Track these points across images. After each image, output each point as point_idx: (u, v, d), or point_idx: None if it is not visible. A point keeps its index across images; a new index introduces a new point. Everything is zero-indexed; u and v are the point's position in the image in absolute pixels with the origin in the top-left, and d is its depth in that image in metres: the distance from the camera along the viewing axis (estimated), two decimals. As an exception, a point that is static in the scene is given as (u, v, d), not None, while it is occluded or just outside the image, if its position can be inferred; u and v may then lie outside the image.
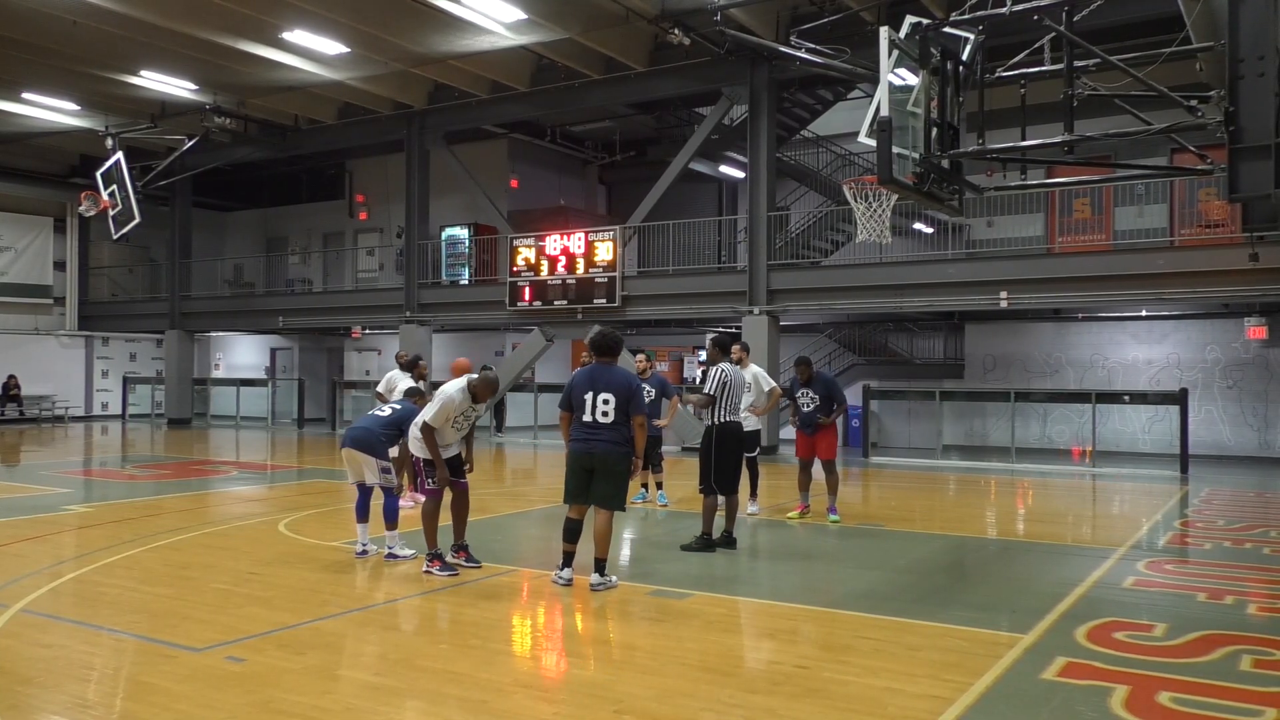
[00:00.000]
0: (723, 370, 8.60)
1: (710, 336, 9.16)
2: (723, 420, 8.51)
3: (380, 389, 11.12)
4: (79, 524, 9.96)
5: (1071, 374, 20.53)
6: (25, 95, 20.55)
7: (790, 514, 10.40)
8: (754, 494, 10.70)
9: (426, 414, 7.17)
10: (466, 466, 7.59)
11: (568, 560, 7.04)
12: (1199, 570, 8.04)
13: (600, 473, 6.85)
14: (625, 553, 8.73)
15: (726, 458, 8.54)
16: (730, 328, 21.60)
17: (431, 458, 7.26)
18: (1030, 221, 18.98)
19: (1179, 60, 7.52)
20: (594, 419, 6.82)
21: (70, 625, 5.99)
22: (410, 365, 11.07)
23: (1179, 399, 16.00)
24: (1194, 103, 6.68)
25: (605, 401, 6.81)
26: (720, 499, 8.57)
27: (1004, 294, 16.19)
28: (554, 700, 4.72)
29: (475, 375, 7.35)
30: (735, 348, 10.72)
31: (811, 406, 10.16)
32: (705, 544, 8.40)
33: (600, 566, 6.91)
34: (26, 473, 15.19)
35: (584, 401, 6.86)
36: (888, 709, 4.59)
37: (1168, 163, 16.05)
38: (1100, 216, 18.82)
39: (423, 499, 7.74)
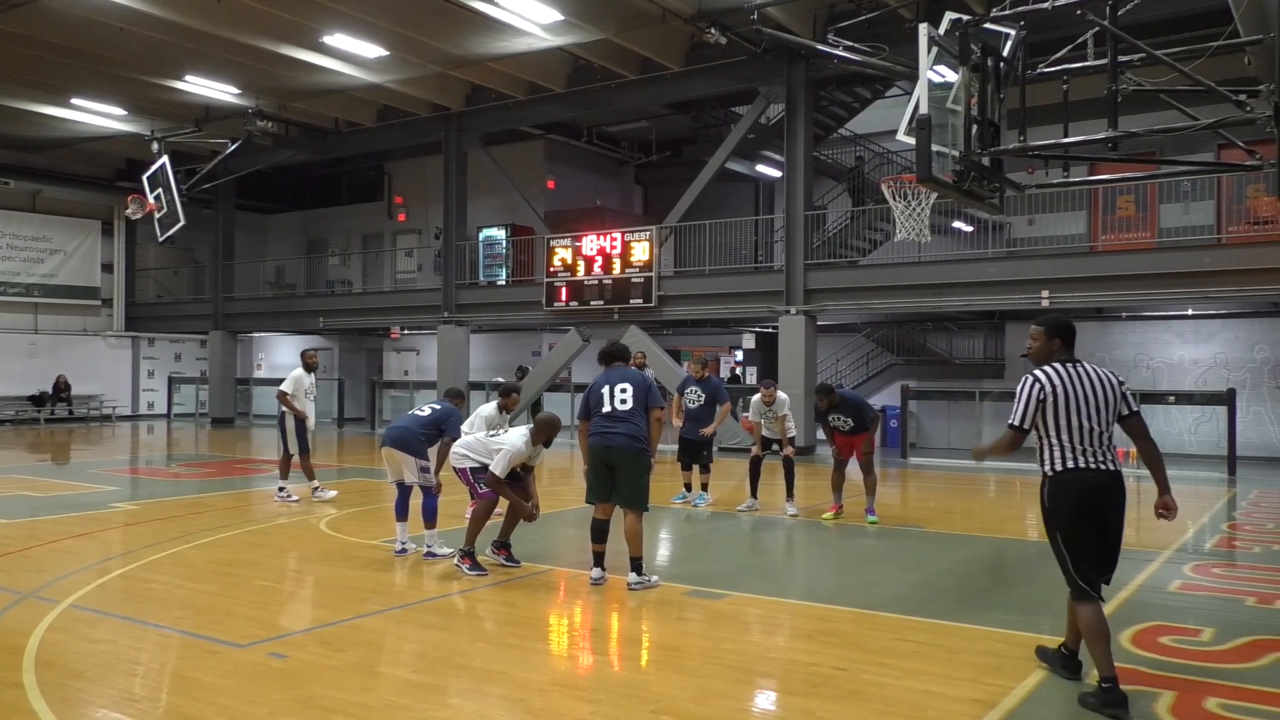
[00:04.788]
0: (1039, 381, 4.74)
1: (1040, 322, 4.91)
2: (1064, 466, 4.67)
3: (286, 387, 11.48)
4: (126, 521, 10.14)
5: (1115, 374, 20.18)
6: (74, 101, 20.97)
7: (825, 515, 10.34)
8: (790, 495, 10.66)
9: (496, 468, 7.25)
10: (531, 504, 7.58)
11: (598, 560, 7.13)
12: (1248, 574, 7.88)
13: (619, 471, 6.96)
14: (663, 552, 8.74)
15: (1071, 529, 4.65)
16: (767, 328, 21.51)
17: (492, 487, 7.35)
18: (1072, 219, 18.69)
19: (1227, 54, 7.37)
20: (613, 408, 6.97)
21: (117, 620, 6.11)
22: (310, 366, 11.65)
23: (1226, 399, 15.68)
24: (1242, 97, 6.56)
25: (623, 390, 7.00)
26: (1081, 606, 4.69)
27: (1045, 293, 15.96)
28: (591, 699, 4.73)
29: (536, 420, 7.50)
30: (765, 391, 10.59)
31: (848, 428, 10.07)
32: (1067, 661, 5.03)
33: (637, 566, 6.95)
34: (75, 471, 15.52)
35: (602, 396, 7.05)
36: (927, 712, 4.55)
37: (1215, 158, 15.72)
38: (1145, 214, 18.48)
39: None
